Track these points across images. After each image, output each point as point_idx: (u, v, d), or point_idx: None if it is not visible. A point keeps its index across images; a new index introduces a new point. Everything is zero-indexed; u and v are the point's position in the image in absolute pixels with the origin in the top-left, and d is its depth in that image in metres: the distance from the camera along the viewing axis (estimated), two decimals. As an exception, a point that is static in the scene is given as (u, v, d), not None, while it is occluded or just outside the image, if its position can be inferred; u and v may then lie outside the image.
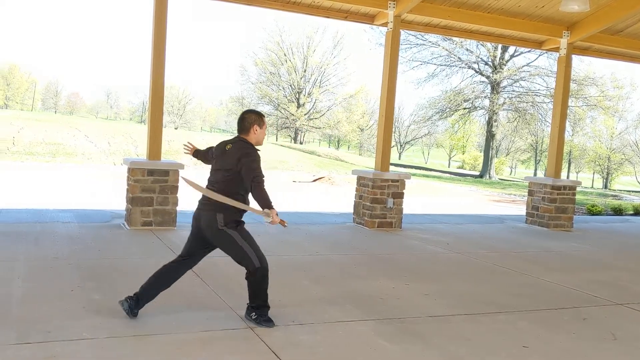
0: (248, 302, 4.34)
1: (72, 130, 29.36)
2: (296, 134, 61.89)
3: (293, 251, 7.20)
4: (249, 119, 4.35)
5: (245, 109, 55.94)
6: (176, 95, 76.56)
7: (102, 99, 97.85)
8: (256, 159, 4.23)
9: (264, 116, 4.50)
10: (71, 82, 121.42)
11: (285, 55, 58.72)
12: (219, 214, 4.18)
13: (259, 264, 4.19)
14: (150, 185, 8.11)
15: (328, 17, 9.89)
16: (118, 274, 5.54)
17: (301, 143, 62.00)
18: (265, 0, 9.12)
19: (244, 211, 4.27)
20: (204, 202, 4.27)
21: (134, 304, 4.16)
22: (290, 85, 59.97)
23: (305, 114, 59.91)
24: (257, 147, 4.36)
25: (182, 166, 8.42)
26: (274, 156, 33.39)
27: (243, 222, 4.32)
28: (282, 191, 18.51)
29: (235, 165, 4.16)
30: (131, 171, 8.11)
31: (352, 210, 10.22)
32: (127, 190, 8.28)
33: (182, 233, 7.78)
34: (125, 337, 3.87)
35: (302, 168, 31.52)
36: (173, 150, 27.79)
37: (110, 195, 12.50)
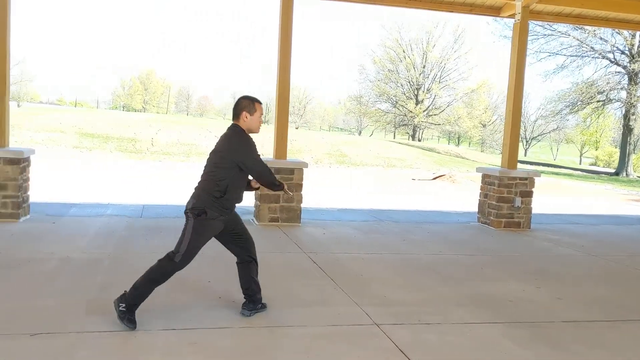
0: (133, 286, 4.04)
1: (203, 132, 31.25)
2: (414, 131, 61.13)
3: (417, 250, 7.15)
4: (240, 105, 4.15)
5: (362, 107, 55.91)
6: (297, 96, 78.71)
7: (229, 101, 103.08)
8: (248, 151, 4.04)
9: (258, 102, 4.20)
10: (200, 86, 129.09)
11: (404, 52, 58.19)
12: (192, 199, 4.07)
13: (178, 261, 3.99)
14: (277, 183, 8.43)
15: (452, 12, 9.70)
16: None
17: (419, 140, 61.18)
18: (390, -3, 9.13)
19: (215, 204, 4.00)
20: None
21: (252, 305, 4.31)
22: (409, 82, 59.33)
23: (424, 111, 59.00)
24: (249, 134, 4.16)
25: (306, 165, 8.67)
26: (391, 154, 33.25)
27: (210, 217, 4.00)
28: (401, 189, 18.40)
29: (226, 152, 4.03)
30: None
31: (476, 209, 9.93)
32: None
33: (306, 229, 8.02)
34: (259, 327, 4.08)
35: (420, 166, 31.09)
36: (295, 149, 28.63)
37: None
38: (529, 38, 9.68)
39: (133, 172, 18.05)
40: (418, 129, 61.39)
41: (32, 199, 8.12)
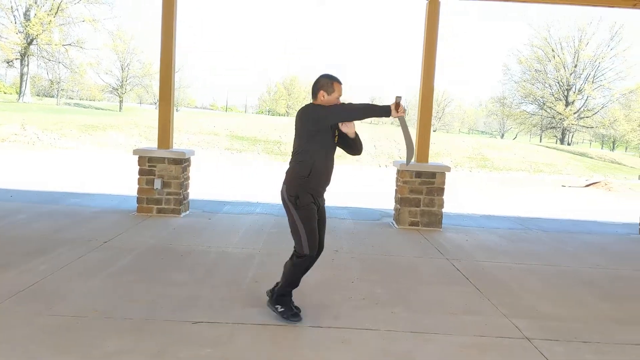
0: (275, 285, 4.18)
1: (342, 134, 31.92)
2: (563, 134, 57.31)
3: (570, 262, 6.69)
4: (318, 84, 3.96)
5: (506, 109, 53.55)
6: (435, 98, 77.34)
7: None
8: (318, 107, 3.89)
9: (337, 81, 3.97)
10: (347, 90, 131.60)
11: (553, 50, 54.85)
12: (284, 185, 4.02)
13: (307, 252, 3.95)
14: (418, 186, 8.36)
15: (612, 7, 8.96)
16: (392, 269, 5.84)
17: (569, 144, 57.22)
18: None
19: (312, 186, 3.96)
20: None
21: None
22: (558, 82, 55.79)
23: (574, 113, 55.10)
24: None
25: (448, 169, 8.50)
26: (538, 158, 31.45)
27: (310, 200, 3.96)
28: (550, 196, 17.33)
29: (299, 123, 3.95)
30: (400, 173, 8.47)
31: (637, 221, 9.07)
32: (396, 191, 8.67)
33: (448, 235, 7.86)
34: (404, 332, 4.08)
35: (571, 171, 29.06)
36: (433, 152, 28.17)
37: (377, 195, 13.24)
38: None
39: (279, 173, 18.92)
40: (568, 132, 57.48)
41: (190, 197, 8.82)
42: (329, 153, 4.04)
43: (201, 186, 11.58)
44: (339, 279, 5.37)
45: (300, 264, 4.06)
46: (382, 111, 3.78)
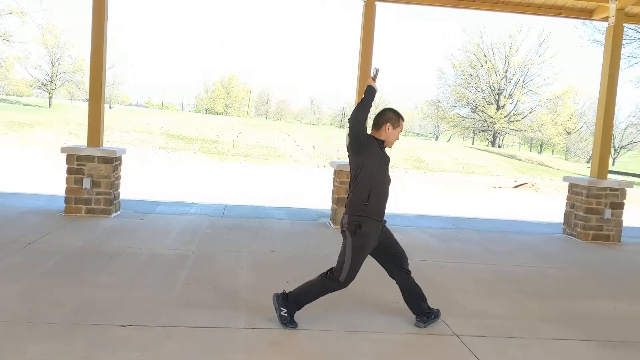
0: (290, 291, 4.13)
1: (281, 135, 31.82)
2: (494, 137, 59.47)
3: (499, 260, 6.93)
4: (385, 116, 4.13)
5: (440, 112, 55.12)
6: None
7: (307, 105, 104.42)
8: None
9: (402, 118, 4.21)
10: (279, 91, 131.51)
11: (485, 56, 56.81)
12: (344, 216, 4.09)
13: (343, 280, 3.99)
14: (355, 187, 8.43)
15: (540, 15, 9.34)
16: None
17: (500, 147, 59.40)
18: (474, 1, 8.93)
19: (365, 213, 3.99)
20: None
21: None
22: (490, 87, 57.83)
23: (505, 116, 57.26)
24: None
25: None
26: (470, 160, 32.47)
27: (365, 231, 3.97)
28: (481, 196, 17.92)
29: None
30: (337, 173, 8.53)
31: (561, 220, 9.51)
32: (333, 191, 8.72)
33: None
34: (337, 331, 4.09)
35: (501, 173, 30.17)
36: (371, 153, 28.54)
37: (315, 195, 13.29)
38: (622, 42, 9.17)
39: (215, 173, 18.64)
40: (498, 135, 59.67)
41: (122, 196, 8.55)
42: (381, 174, 4.11)
43: (133, 186, 11.26)
44: (274, 279, 5.33)
45: (331, 288, 4.05)
46: (370, 92, 4.01)
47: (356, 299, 4.86)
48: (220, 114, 75.44)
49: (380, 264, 4.31)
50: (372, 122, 4.22)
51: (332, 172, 8.85)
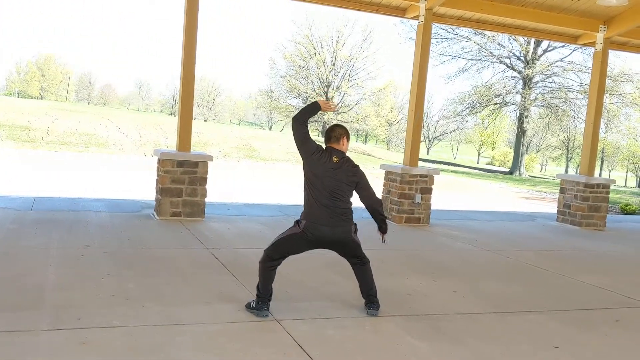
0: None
1: (104, 121, 29.85)
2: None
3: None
4: (343, 129, 4.57)
5: (273, 102, 55.77)
6: (206, 88, 77.17)
7: (134, 90, 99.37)
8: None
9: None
10: (104, 74, 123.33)
11: (314, 48, 58.62)
12: (348, 225, 4.51)
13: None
14: (180, 176, 8.18)
15: (359, 10, 9.84)
16: (148, 263, 5.61)
17: (329, 137, 61.89)
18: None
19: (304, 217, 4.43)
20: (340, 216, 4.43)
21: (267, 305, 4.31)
22: (319, 79, 59.88)
23: (333, 108, 59.74)
24: None
25: (211, 158, 8.48)
26: (301, 149, 33.45)
27: (303, 226, 4.38)
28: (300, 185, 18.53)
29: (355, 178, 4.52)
30: (161, 162, 8.20)
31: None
32: (157, 181, 8.38)
33: (210, 224, 7.84)
34: (154, 325, 3.93)
35: (329, 162, 31.50)
36: (202, 142, 28.05)
37: (140, 185, 12.68)
38: (433, 41, 10.03)
39: (25, 163, 16.90)
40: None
41: None
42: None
43: None
44: (87, 276, 4.97)
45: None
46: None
47: (179, 292, 4.71)
48: (35, 98, 68.70)
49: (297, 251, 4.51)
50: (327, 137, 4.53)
51: (157, 161, 8.49)
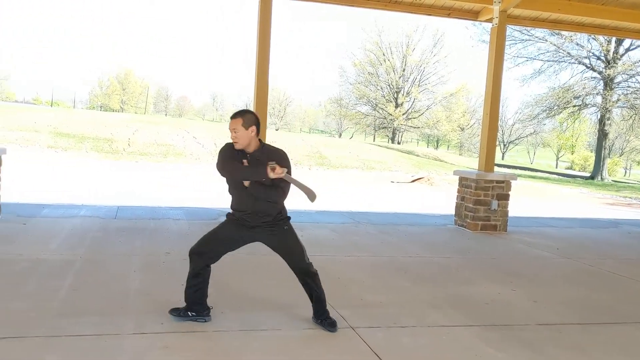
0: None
1: (181, 132, 30.97)
2: (394, 134, 61.41)
3: (393, 252, 7.14)
4: (256, 117, 4.16)
5: (343, 109, 56.02)
6: (277, 97, 78.59)
7: (209, 101, 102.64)
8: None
9: (232, 119, 4.11)
10: (180, 87, 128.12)
11: (383, 55, 58.47)
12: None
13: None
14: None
15: (430, 15, 9.73)
16: (226, 270, 5.74)
17: (399, 143, 61.43)
18: (367, 0, 9.12)
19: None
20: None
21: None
22: (389, 85, 59.62)
23: (403, 114, 59.30)
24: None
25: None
26: (371, 156, 33.33)
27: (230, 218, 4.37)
28: (380, 191, 18.43)
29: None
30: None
31: (453, 212, 9.97)
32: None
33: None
34: (232, 331, 4.02)
35: (400, 168, 31.20)
36: (274, 150, 28.46)
37: (217, 194, 13.04)
38: (507, 43, 9.76)
39: (109, 173, 17.80)
40: (397, 132, 61.68)
41: (3, 200, 7.93)
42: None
43: (17, 188, 10.50)
44: (168, 282, 5.15)
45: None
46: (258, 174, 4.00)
47: (253, 298, 4.81)
48: (116, 111, 72.29)
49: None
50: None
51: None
